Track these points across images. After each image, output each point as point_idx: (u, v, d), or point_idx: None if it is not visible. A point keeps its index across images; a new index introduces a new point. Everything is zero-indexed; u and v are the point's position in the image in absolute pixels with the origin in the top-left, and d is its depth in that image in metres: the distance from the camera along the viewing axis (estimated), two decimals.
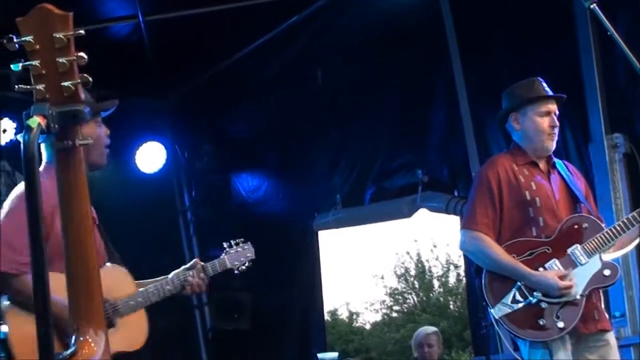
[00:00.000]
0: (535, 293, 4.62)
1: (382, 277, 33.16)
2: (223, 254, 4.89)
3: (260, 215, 10.17)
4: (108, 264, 4.31)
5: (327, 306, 31.87)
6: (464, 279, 12.84)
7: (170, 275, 4.58)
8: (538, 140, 4.93)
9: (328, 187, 9.66)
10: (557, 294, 4.60)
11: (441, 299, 32.08)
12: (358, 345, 30.20)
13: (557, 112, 5.00)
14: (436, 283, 32.67)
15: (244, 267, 4.96)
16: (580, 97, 7.60)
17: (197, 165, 10.49)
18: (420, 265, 32.66)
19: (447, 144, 8.89)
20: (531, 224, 4.78)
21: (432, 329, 8.97)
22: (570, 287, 4.61)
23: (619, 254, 4.94)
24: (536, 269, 4.67)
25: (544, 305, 4.61)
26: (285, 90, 9.69)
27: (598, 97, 7.46)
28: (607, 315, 4.87)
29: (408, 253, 32.75)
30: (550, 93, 4.98)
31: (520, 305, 4.63)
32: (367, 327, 33.67)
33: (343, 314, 34.13)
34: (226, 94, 9.93)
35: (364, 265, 60.47)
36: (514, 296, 4.65)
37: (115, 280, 4.30)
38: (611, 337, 4.79)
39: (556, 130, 4.95)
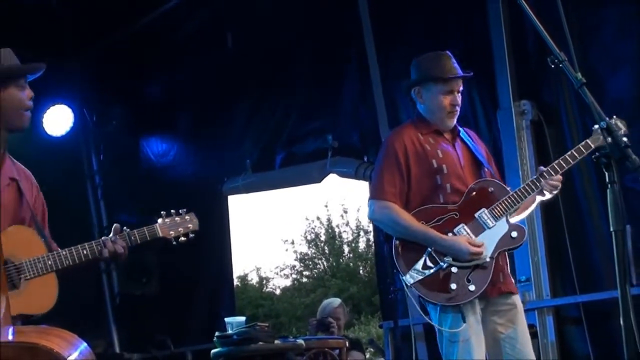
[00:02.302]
0: (445, 258, 4.64)
1: (293, 243, 33.11)
2: (157, 222, 4.51)
3: (170, 180, 10.13)
4: (14, 225, 4.18)
5: (237, 271, 31.86)
6: (374, 244, 13.01)
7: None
8: (438, 117, 4.96)
9: (238, 152, 9.65)
10: (468, 257, 4.63)
11: (351, 264, 32.21)
12: (268, 311, 30.20)
13: (462, 88, 5.00)
14: (346, 248, 32.78)
15: (183, 239, 4.53)
16: (489, 65, 7.68)
17: (106, 128, 10.36)
18: (330, 230, 32.73)
19: (357, 110, 8.92)
20: (439, 191, 4.80)
21: (338, 301, 8.98)
22: (480, 251, 4.65)
23: (523, 215, 5.01)
24: (445, 234, 4.70)
25: (454, 269, 4.63)
26: (197, 54, 9.63)
27: (506, 65, 7.54)
28: (512, 279, 4.92)
29: (318, 218, 32.78)
30: (457, 72, 4.96)
31: (432, 271, 4.64)
32: (277, 292, 33.70)
33: (253, 280, 34.10)
34: (137, 57, 9.81)
35: (274, 231, 60.43)
36: (425, 262, 4.65)
37: (22, 241, 4.16)
38: (517, 300, 4.84)
39: (457, 109, 4.97)
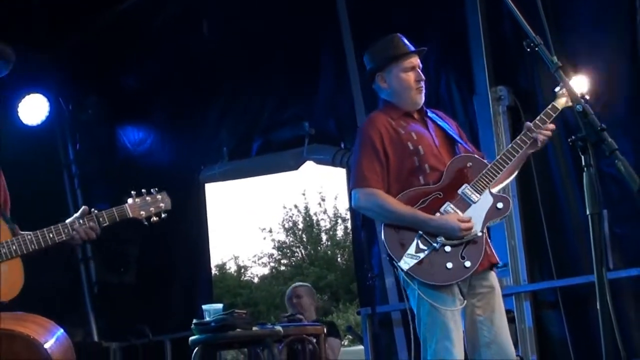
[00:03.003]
0: (437, 238, 4.61)
1: (270, 231, 33.09)
2: (126, 202, 4.43)
3: (146, 168, 10.06)
4: None
5: (215, 260, 31.84)
6: (351, 231, 13.02)
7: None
8: (407, 96, 4.92)
9: (215, 140, 9.61)
10: (460, 234, 4.61)
11: (329, 252, 32.23)
12: (246, 299, 30.17)
13: (421, 65, 5.00)
14: (324, 236, 32.81)
15: (155, 219, 4.45)
16: (466, 51, 7.69)
17: (82, 117, 10.30)
18: (308, 218, 32.73)
19: (334, 97, 8.90)
20: (418, 173, 4.77)
21: (300, 283, 9.07)
22: (470, 226, 4.64)
23: (506, 182, 5.00)
24: (433, 215, 4.67)
25: (448, 248, 4.61)
26: (173, 42, 9.59)
27: (483, 50, 7.54)
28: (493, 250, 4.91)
29: (296, 206, 32.77)
30: (412, 48, 4.96)
31: (426, 253, 4.61)
32: (255, 280, 33.69)
33: (231, 268, 34.06)
34: (113, 45, 9.72)
35: (252, 219, 60.39)
36: (417, 245, 4.61)
37: None
38: (495, 281, 4.83)
39: (423, 84, 4.94)
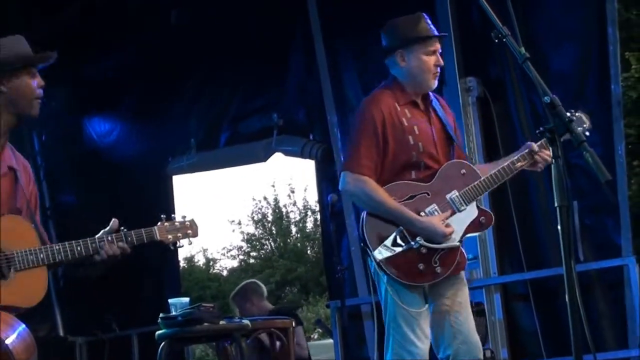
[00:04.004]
0: (417, 238, 4.60)
1: (239, 223, 32.99)
2: (156, 225, 4.40)
3: (113, 160, 9.99)
4: (9, 215, 4.05)
5: (183, 253, 31.78)
6: (320, 223, 12.99)
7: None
8: (422, 79, 4.87)
9: (183, 131, 9.53)
10: (441, 240, 4.62)
11: (299, 244, 32.22)
12: (215, 292, 30.11)
13: (440, 50, 4.97)
14: (294, 228, 32.78)
15: (179, 244, 4.47)
16: None
17: (47, 108, 10.15)
18: (277, 210, 32.69)
19: (303, 87, 8.89)
20: (412, 168, 4.76)
21: (235, 291, 8.92)
22: (452, 233, 4.64)
23: None
24: (417, 213, 4.66)
25: (424, 250, 4.61)
26: (140, 31, 9.47)
27: (452, 41, 7.51)
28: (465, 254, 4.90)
29: (265, 198, 32.71)
30: (435, 31, 4.92)
31: (402, 249, 4.61)
32: (224, 273, 33.67)
33: (200, 261, 34.00)
34: (79, 35, 9.59)
35: (220, 211, 60.30)
36: (395, 239, 4.62)
37: (16, 231, 4.04)
38: (462, 276, 4.84)
39: (439, 70, 4.92)
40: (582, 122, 4.94)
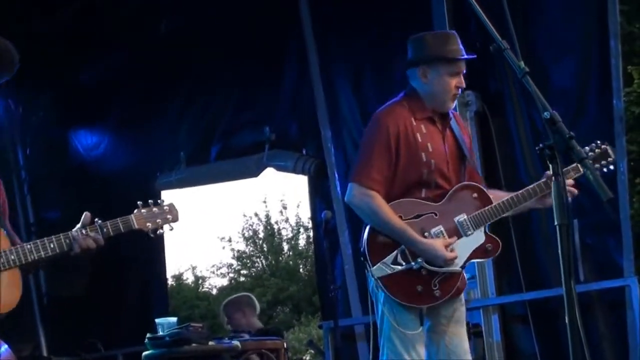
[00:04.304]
0: (418, 259, 4.56)
1: (230, 240, 32.86)
2: (132, 213, 4.25)
3: (100, 174, 9.93)
4: None
5: (172, 270, 31.59)
6: (313, 241, 12.96)
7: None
8: (441, 100, 4.80)
9: (172, 145, 9.47)
10: (442, 264, 4.57)
11: (291, 262, 32.15)
12: (204, 311, 29.94)
13: (465, 71, 4.86)
14: (286, 246, 32.70)
15: (161, 231, 4.30)
16: None
17: (33, 120, 10.08)
18: (269, 227, 32.59)
19: (296, 101, 8.84)
20: (422, 186, 4.70)
21: (227, 300, 8.84)
22: (455, 258, 4.59)
23: None
24: (422, 234, 4.61)
25: (424, 272, 4.57)
26: (130, 42, 9.42)
27: None
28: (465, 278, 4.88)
29: (257, 215, 32.59)
30: (464, 53, 4.82)
31: (401, 268, 4.57)
32: (214, 292, 33.48)
33: (188, 279, 33.87)
34: (67, 44, 9.61)
35: (210, 228, 60.34)
36: (396, 258, 4.58)
37: None
38: (461, 295, 4.82)
39: (460, 92, 4.85)
40: (606, 156, 4.88)
